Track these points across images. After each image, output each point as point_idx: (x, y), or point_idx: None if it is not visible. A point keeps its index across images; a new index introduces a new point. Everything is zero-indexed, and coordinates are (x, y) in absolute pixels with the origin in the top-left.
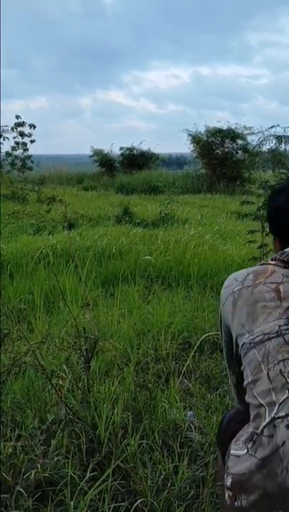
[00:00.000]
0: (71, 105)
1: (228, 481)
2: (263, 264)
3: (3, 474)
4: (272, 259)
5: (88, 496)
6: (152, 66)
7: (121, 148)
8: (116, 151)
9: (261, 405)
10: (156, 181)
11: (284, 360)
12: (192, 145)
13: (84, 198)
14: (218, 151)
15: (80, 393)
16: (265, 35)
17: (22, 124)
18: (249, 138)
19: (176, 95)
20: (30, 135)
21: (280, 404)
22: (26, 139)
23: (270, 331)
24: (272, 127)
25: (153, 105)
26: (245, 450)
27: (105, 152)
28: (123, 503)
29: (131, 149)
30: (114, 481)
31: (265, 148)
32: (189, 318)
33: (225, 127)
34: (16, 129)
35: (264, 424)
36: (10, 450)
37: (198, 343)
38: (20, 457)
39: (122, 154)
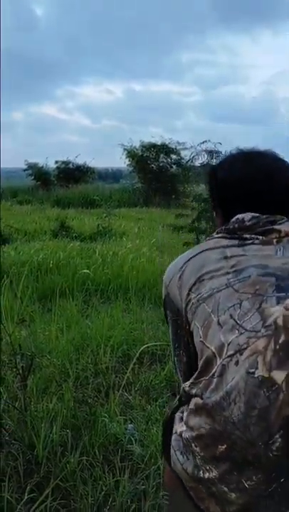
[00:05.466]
0: (3, 119)
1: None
2: (208, 239)
3: None
4: (217, 233)
5: None
6: (85, 81)
7: (56, 162)
8: (51, 165)
9: (211, 350)
10: (93, 195)
11: (234, 305)
12: (128, 159)
13: (18, 212)
14: (152, 165)
15: (17, 413)
16: (195, 54)
17: None
18: (182, 153)
19: (110, 110)
20: None
21: (230, 343)
22: None
23: (219, 285)
24: (203, 142)
25: (87, 120)
26: (199, 398)
27: (40, 166)
28: None
29: (67, 163)
30: (53, 501)
31: (198, 162)
32: (128, 330)
33: (159, 142)
34: None
35: (215, 368)
36: None
37: (137, 354)
38: None
39: (57, 168)
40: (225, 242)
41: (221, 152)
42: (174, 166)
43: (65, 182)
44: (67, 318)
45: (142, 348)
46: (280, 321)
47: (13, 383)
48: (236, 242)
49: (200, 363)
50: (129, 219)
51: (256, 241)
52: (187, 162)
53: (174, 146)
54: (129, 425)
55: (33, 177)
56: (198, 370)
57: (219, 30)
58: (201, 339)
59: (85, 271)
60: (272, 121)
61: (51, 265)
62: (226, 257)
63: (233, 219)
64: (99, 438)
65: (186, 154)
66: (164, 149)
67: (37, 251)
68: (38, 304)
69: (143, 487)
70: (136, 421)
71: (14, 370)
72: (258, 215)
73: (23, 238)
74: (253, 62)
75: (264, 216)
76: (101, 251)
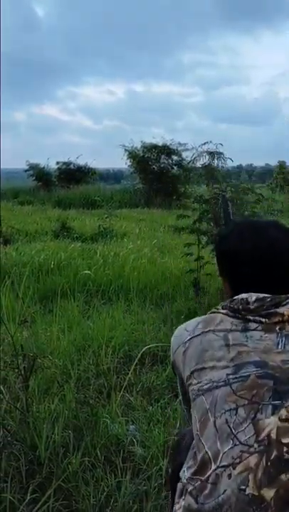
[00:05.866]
0: (4, 119)
1: None
2: (213, 312)
3: None
4: (222, 308)
5: None
6: (87, 81)
7: (58, 163)
8: (52, 166)
9: (207, 453)
10: (94, 196)
11: (230, 410)
12: (129, 160)
13: (20, 212)
14: (154, 166)
15: (19, 414)
16: (197, 55)
17: None
18: (184, 154)
19: (111, 111)
20: None
21: (224, 453)
22: None
23: (218, 379)
24: (204, 144)
25: (89, 120)
26: (194, 500)
27: (41, 166)
28: None
29: (68, 164)
30: (55, 502)
31: (199, 164)
32: (130, 331)
33: (160, 143)
34: None
35: (209, 472)
36: None
37: (138, 355)
38: None
39: (58, 169)
40: (228, 323)
41: (223, 153)
42: (175, 167)
43: (66, 183)
44: (68, 319)
45: (143, 349)
46: (273, 435)
47: (14, 384)
48: (240, 325)
49: (197, 458)
50: (131, 220)
51: (259, 327)
52: (188, 163)
53: (175, 147)
54: (131, 426)
55: (34, 178)
56: (196, 467)
57: (221, 30)
58: (198, 433)
59: (86, 272)
60: (274, 122)
61: (52, 266)
62: (227, 345)
63: (238, 298)
64: (101, 439)
65: (187, 155)
66: (166, 150)
67: (38, 252)
68: (40, 305)
69: (145, 488)
70: (137, 422)
71: (16, 370)
72: (262, 296)
73: (24, 239)
74: (254, 63)
75: (268, 298)
76: (102, 252)
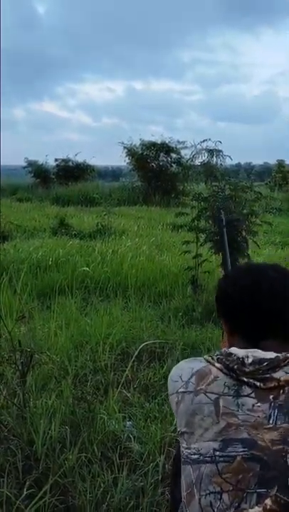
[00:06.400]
0: (3, 116)
1: None
2: (208, 361)
3: None
4: (218, 360)
5: None
6: (86, 78)
7: (56, 160)
8: (51, 163)
9: None
10: (93, 193)
11: (215, 492)
12: (127, 158)
13: (18, 209)
14: (153, 164)
15: (16, 409)
16: (197, 52)
17: None
18: (182, 152)
19: (111, 108)
20: None
21: None
22: None
23: (206, 452)
24: (203, 141)
25: (88, 118)
26: None
27: (40, 163)
28: None
29: (66, 161)
30: (52, 498)
31: (198, 161)
32: (127, 328)
33: (159, 141)
34: None
35: None
36: None
37: (136, 352)
38: None
39: (57, 166)
40: (221, 383)
41: (222, 151)
42: (174, 165)
43: (64, 180)
44: (66, 315)
45: (141, 346)
46: None
47: (12, 379)
48: (232, 388)
49: None
50: (129, 217)
51: (252, 394)
52: (187, 161)
53: (174, 145)
54: (128, 422)
55: (32, 174)
56: None
57: (221, 28)
58: (185, 501)
59: (84, 268)
60: (274, 120)
61: (50, 263)
62: (217, 412)
63: (234, 356)
64: (98, 435)
65: (186, 153)
66: (164, 148)
67: (36, 248)
68: (37, 301)
69: (141, 484)
70: (135, 418)
71: (13, 366)
72: (259, 358)
73: (22, 235)
74: (254, 61)
75: (265, 362)
76: (100, 249)
